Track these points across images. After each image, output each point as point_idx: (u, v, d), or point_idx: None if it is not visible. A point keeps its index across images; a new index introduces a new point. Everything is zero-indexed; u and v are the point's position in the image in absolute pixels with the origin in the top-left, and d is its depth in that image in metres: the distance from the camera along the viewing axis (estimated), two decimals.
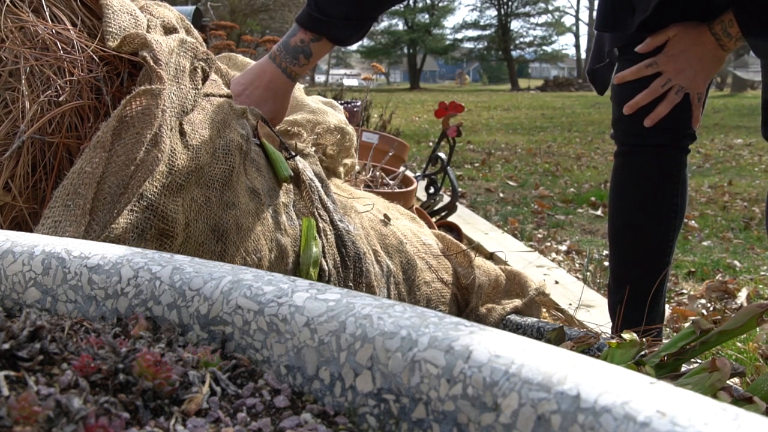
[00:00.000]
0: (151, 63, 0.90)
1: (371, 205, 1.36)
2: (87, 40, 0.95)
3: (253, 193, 1.04)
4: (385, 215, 1.37)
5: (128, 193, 0.81)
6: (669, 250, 1.45)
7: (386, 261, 1.24)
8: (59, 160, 0.89)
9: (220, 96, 1.08)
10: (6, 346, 0.43)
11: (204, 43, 1.18)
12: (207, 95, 1.05)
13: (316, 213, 1.15)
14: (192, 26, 1.18)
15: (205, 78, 1.04)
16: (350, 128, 1.47)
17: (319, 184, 1.20)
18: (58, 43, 0.91)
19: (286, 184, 1.13)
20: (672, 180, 1.42)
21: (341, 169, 1.48)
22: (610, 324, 1.51)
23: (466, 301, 1.40)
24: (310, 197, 1.16)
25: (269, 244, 1.02)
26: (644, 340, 0.94)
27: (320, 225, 1.13)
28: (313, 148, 1.33)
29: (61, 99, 0.88)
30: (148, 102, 0.86)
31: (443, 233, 1.52)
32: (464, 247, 1.47)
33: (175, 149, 0.89)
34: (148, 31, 1.00)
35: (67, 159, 0.90)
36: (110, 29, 0.95)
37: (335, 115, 1.48)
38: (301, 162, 1.20)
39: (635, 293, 1.40)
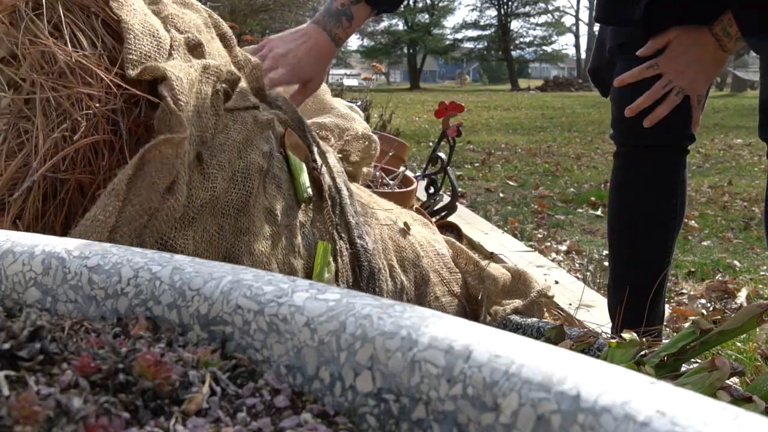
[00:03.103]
0: (171, 105, 0.86)
1: (391, 211, 1.34)
2: (107, 65, 0.91)
3: (269, 214, 1.01)
4: (405, 224, 1.34)
5: (142, 244, 0.79)
6: (669, 251, 1.45)
7: (401, 277, 1.22)
8: (71, 195, 0.86)
9: (246, 109, 1.04)
10: (6, 346, 0.43)
11: (233, 38, 1.16)
12: (230, 110, 1.01)
13: (334, 234, 1.11)
14: (221, 22, 1.16)
15: (228, 97, 1.01)
16: (375, 137, 1.46)
17: (346, 195, 1.17)
18: (76, 69, 0.88)
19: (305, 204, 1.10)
20: (671, 181, 1.41)
21: (360, 177, 1.47)
22: (610, 324, 1.51)
23: (474, 313, 1.38)
24: (330, 217, 1.12)
25: (281, 267, 1.00)
26: (644, 340, 0.94)
27: (337, 246, 1.10)
28: (339, 155, 1.31)
29: (76, 137, 0.85)
30: (167, 151, 0.83)
31: (453, 240, 1.51)
32: (473, 255, 1.45)
33: (190, 180, 0.87)
34: (170, 54, 0.96)
35: (78, 194, 0.87)
36: (131, 56, 0.91)
37: (361, 122, 1.47)
38: (326, 174, 1.17)
39: (635, 294, 1.40)
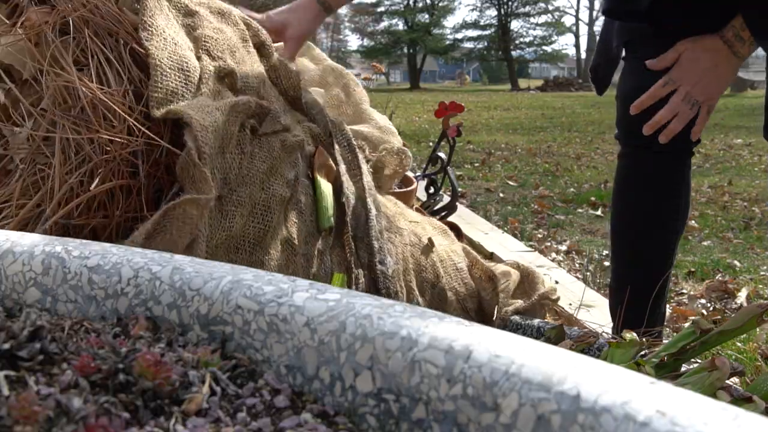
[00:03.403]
0: (195, 158, 0.82)
1: (417, 224, 1.31)
2: (131, 103, 0.88)
3: (286, 244, 0.98)
4: (430, 240, 1.31)
5: None
6: (671, 253, 1.45)
7: (418, 299, 1.20)
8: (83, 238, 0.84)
9: (274, 132, 1.01)
10: (6, 346, 0.43)
11: (271, 46, 1.13)
12: (259, 135, 0.98)
13: (352, 262, 1.08)
14: (260, 30, 1.12)
15: (255, 131, 0.97)
16: (408, 152, 1.45)
17: (374, 215, 1.13)
18: (99, 107, 0.85)
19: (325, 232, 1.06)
20: (675, 182, 1.41)
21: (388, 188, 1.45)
22: (611, 324, 1.51)
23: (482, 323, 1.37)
24: (350, 245, 1.09)
25: None
26: (644, 340, 0.94)
27: (353, 274, 1.06)
28: (371, 167, 1.29)
29: (93, 186, 0.83)
30: (191, 211, 0.80)
31: (469, 249, 1.48)
32: (488, 266, 1.43)
33: (207, 220, 0.85)
34: (199, 88, 0.92)
35: (92, 238, 0.85)
36: (156, 94, 0.87)
37: (397, 136, 1.46)
38: (351, 195, 1.12)
39: (636, 295, 1.40)
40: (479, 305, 1.37)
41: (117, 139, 0.85)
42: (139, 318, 0.53)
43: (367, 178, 1.20)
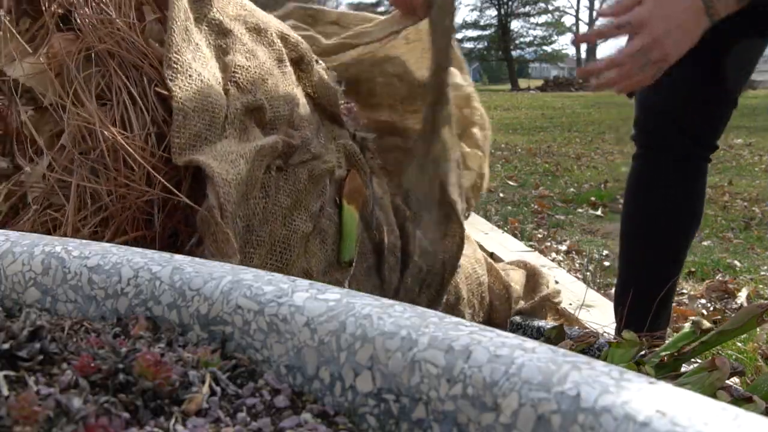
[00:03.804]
0: (218, 217, 0.78)
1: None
2: (152, 147, 0.84)
3: (303, 275, 0.95)
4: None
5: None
6: (680, 258, 1.41)
7: None
8: None
9: (302, 162, 0.96)
10: (6, 346, 0.43)
11: (311, 60, 1.06)
12: (285, 168, 0.94)
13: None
14: (299, 43, 1.06)
15: (281, 169, 0.94)
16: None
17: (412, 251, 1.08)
18: (119, 152, 0.81)
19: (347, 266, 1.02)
20: (689, 189, 1.37)
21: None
22: (614, 325, 1.50)
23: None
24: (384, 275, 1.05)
25: None
26: (644, 340, 0.94)
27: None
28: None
29: (106, 239, 0.79)
30: None
31: (492, 262, 1.45)
32: (506, 280, 1.42)
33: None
34: (224, 128, 0.87)
35: None
36: (178, 140, 0.82)
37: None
38: (384, 225, 1.07)
39: (641, 297, 1.38)
40: (491, 314, 1.36)
41: (136, 188, 0.82)
42: (139, 318, 0.53)
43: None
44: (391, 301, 0.49)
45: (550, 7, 36.00)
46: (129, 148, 0.82)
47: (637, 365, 0.87)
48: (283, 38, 1.05)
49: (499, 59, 35.53)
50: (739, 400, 0.75)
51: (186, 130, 0.83)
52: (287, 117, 0.99)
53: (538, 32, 36.33)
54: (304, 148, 0.99)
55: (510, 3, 34.43)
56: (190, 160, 0.82)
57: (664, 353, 0.92)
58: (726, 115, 1.33)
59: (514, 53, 34.33)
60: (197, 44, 0.90)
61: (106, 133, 0.82)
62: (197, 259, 0.57)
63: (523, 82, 31.19)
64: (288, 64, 1.04)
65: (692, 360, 0.92)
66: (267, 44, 1.02)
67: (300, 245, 0.93)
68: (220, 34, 0.97)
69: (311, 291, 0.50)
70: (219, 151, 0.84)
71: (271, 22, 1.05)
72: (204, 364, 0.47)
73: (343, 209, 1.02)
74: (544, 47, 36.58)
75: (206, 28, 0.96)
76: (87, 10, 0.85)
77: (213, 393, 0.45)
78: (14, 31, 0.87)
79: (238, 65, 0.94)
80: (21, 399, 0.37)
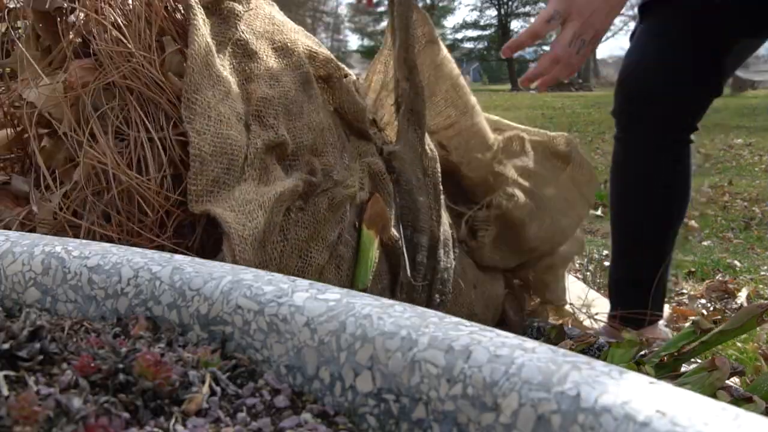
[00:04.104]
0: None
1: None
2: (168, 186, 0.81)
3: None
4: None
5: None
6: (665, 243, 1.41)
7: None
8: None
9: (323, 191, 0.94)
10: (6, 346, 0.43)
11: (341, 76, 1.02)
12: (304, 208, 0.91)
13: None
14: (329, 61, 1.02)
15: (301, 208, 0.91)
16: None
17: (442, 268, 1.05)
18: (132, 195, 0.79)
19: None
20: (671, 168, 1.36)
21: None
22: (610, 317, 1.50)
23: None
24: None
25: None
26: (645, 340, 0.94)
27: None
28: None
29: None
30: None
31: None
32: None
33: None
34: (243, 171, 0.83)
35: None
36: (194, 188, 0.79)
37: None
38: (404, 252, 1.03)
39: (632, 281, 1.39)
40: (498, 323, 1.35)
41: (146, 236, 0.80)
42: (139, 318, 0.53)
43: (445, 227, 1.12)
44: (391, 301, 0.49)
45: None
46: (144, 192, 0.80)
47: (637, 365, 0.87)
48: (312, 56, 1.01)
49: (499, 59, 35.52)
50: (739, 400, 0.75)
51: (203, 176, 0.80)
52: (310, 145, 0.96)
53: None
54: (326, 176, 0.96)
55: (510, 3, 34.43)
56: (206, 210, 0.79)
57: (664, 353, 0.92)
58: (708, 100, 1.33)
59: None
60: (218, 77, 0.87)
61: (121, 176, 0.79)
62: (197, 259, 0.57)
63: None
64: (315, 84, 1.00)
65: (692, 360, 0.92)
66: (293, 66, 0.98)
67: (314, 276, 0.91)
68: (245, 56, 0.94)
69: (311, 291, 0.50)
70: (237, 199, 0.81)
71: (299, 38, 1.01)
72: (204, 364, 0.47)
73: (362, 234, 0.99)
74: (544, 47, 36.55)
75: (231, 50, 0.93)
76: (105, 39, 0.83)
77: (213, 393, 0.45)
78: (30, 58, 0.84)
79: (261, 98, 0.91)
80: (21, 399, 0.37)
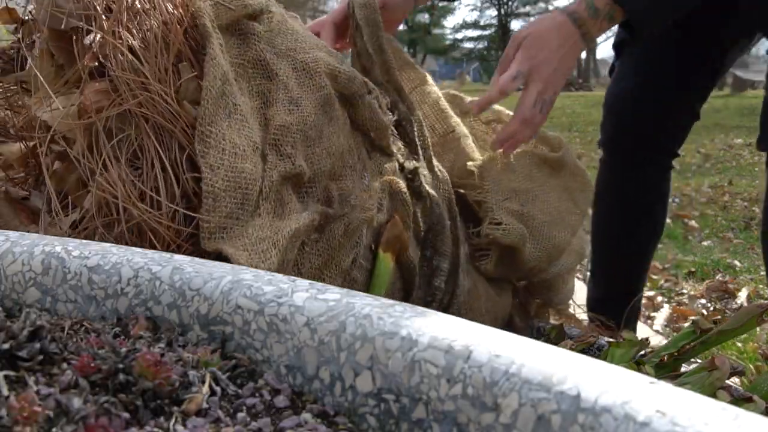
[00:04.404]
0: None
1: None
2: (180, 221, 0.79)
3: None
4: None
5: None
6: (639, 266, 1.49)
7: None
8: None
9: (340, 217, 0.92)
10: (6, 346, 0.43)
11: (363, 98, 0.99)
12: (320, 240, 0.89)
13: None
14: (353, 78, 0.98)
15: (316, 241, 0.89)
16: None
17: (462, 290, 1.04)
18: (143, 229, 0.77)
19: None
20: (651, 200, 1.43)
21: None
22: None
23: None
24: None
25: None
26: (645, 340, 0.94)
27: None
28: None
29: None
30: None
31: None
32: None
33: None
34: (258, 206, 0.81)
35: None
36: (207, 225, 0.77)
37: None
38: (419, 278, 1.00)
39: (607, 299, 1.46)
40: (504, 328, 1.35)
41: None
42: (139, 318, 0.53)
43: (465, 249, 1.10)
44: (391, 301, 0.49)
45: (550, 7, 35.99)
46: (155, 227, 0.78)
47: (637, 365, 0.87)
48: (334, 76, 0.97)
49: (499, 59, 35.48)
50: (739, 400, 0.75)
51: (216, 213, 0.78)
52: (328, 171, 0.93)
53: None
54: (343, 201, 0.93)
55: (510, 3, 34.43)
56: (218, 249, 0.77)
57: (664, 353, 0.92)
58: (688, 125, 1.39)
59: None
60: (235, 105, 0.84)
61: (132, 209, 0.78)
62: (197, 259, 0.57)
63: None
64: (336, 105, 0.97)
65: (692, 360, 0.92)
66: (315, 88, 0.94)
67: None
68: (265, 77, 0.92)
69: (311, 291, 0.50)
70: (250, 236, 0.80)
71: (321, 56, 0.97)
72: (204, 364, 0.47)
73: (378, 258, 0.96)
74: None
75: (250, 71, 0.91)
76: (121, 64, 0.80)
77: (213, 393, 0.45)
78: (43, 79, 0.82)
79: (279, 125, 0.88)
80: (21, 399, 0.37)
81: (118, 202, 0.78)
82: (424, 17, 33.78)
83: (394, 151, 1.07)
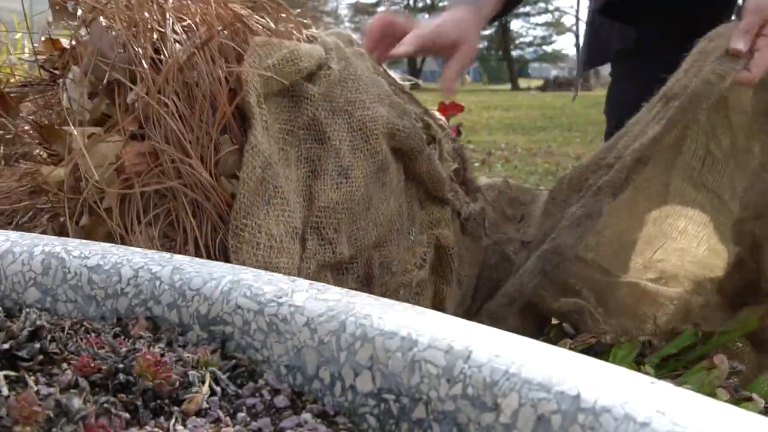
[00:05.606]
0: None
1: None
2: None
3: None
4: None
5: None
6: None
7: None
8: None
9: (379, 285, 0.90)
10: (6, 346, 0.43)
11: (422, 152, 0.95)
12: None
13: None
14: (413, 138, 0.93)
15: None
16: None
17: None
18: None
19: None
20: None
21: None
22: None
23: None
24: None
25: None
26: (647, 341, 0.94)
27: None
28: None
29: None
30: None
31: None
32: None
33: None
34: (276, 255, 0.77)
35: None
36: None
37: None
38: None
39: None
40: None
41: None
42: (139, 318, 0.53)
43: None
44: (391, 301, 0.49)
45: (550, 7, 35.99)
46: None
47: (637, 365, 0.87)
48: (392, 135, 0.91)
49: (499, 59, 35.53)
50: (739, 400, 0.75)
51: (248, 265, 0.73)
52: (373, 242, 0.89)
53: (538, 32, 36.37)
54: (384, 269, 0.89)
55: None
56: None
57: (664, 353, 0.92)
58: None
59: (514, 53, 34.31)
60: (276, 188, 0.79)
61: None
62: (197, 259, 0.57)
63: (523, 82, 31.17)
64: (391, 167, 0.92)
65: (692, 360, 0.93)
66: (370, 153, 0.88)
67: None
68: (316, 141, 0.86)
69: (311, 291, 0.50)
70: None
71: (380, 113, 0.90)
72: (204, 364, 0.47)
73: None
74: (544, 47, 36.61)
75: (302, 133, 0.85)
76: (164, 131, 0.76)
77: (213, 393, 0.45)
78: (79, 130, 0.75)
79: (323, 207, 0.83)
80: (21, 399, 0.37)
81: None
82: (424, 17, 33.73)
83: (450, 197, 1.01)
